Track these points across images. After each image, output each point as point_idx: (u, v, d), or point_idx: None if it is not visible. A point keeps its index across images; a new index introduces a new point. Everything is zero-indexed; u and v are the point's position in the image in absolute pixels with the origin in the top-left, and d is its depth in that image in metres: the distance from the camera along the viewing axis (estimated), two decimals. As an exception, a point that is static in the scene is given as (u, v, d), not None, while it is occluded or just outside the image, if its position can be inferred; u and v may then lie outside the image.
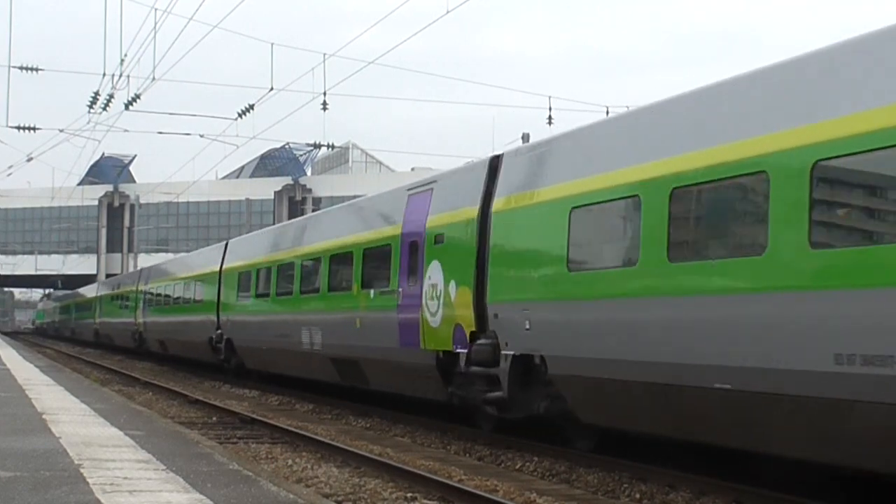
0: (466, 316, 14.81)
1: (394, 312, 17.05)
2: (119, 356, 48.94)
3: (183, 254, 45.97)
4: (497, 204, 14.47)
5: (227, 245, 30.59)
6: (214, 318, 29.62)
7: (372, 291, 18.17)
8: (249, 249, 27.65)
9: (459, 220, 15.32)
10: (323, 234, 21.84)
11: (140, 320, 43.47)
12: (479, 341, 14.50)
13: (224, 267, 29.49)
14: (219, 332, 29.07)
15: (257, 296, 25.85)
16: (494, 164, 15.02)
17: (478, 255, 14.73)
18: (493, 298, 14.29)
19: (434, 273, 15.66)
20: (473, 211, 14.99)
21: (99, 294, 59.63)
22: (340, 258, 20.29)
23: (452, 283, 15.16)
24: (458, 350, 15.04)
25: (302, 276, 22.55)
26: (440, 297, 15.44)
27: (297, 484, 10.83)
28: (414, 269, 16.49)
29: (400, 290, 16.91)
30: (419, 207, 16.68)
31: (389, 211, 18.22)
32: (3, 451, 10.40)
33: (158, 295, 40.11)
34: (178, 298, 36.05)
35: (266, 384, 26.65)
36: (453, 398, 15.77)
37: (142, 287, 43.83)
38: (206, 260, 33.00)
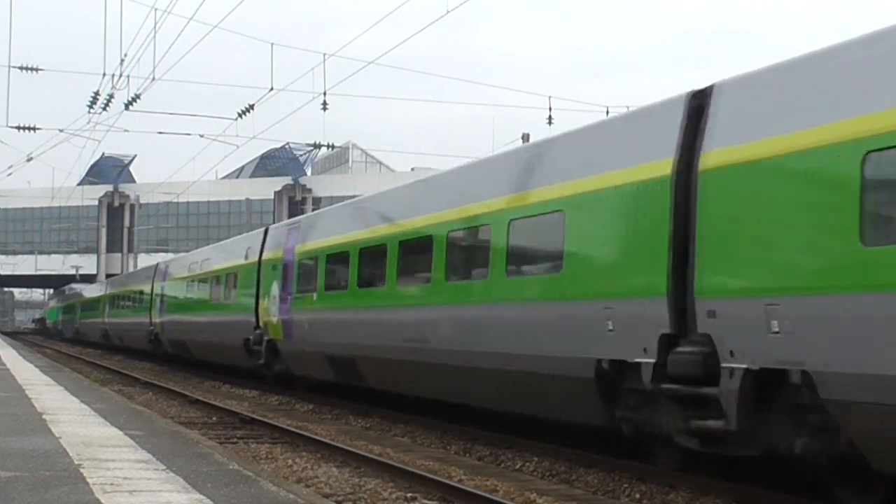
0: None
1: None
2: (119, 356, 48.72)
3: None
4: None
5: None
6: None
7: None
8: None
9: None
10: None
11: (276, 317, 23.31)
12: None
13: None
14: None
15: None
16: None
17: None
18: None
19: None
20: None
21: (157, 283, 39.42)
22: None
23: None
24: None
25: None
26: None
27: (297, 484, 10.83)
28: None
29: None
30: None
31: None
32: (3, 451, 10.40)
33: (337, 263, 20.17)
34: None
35: (266, 384, 26.53)
36: None
37: (272, 254, 24.24)
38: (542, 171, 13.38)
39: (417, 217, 16.67)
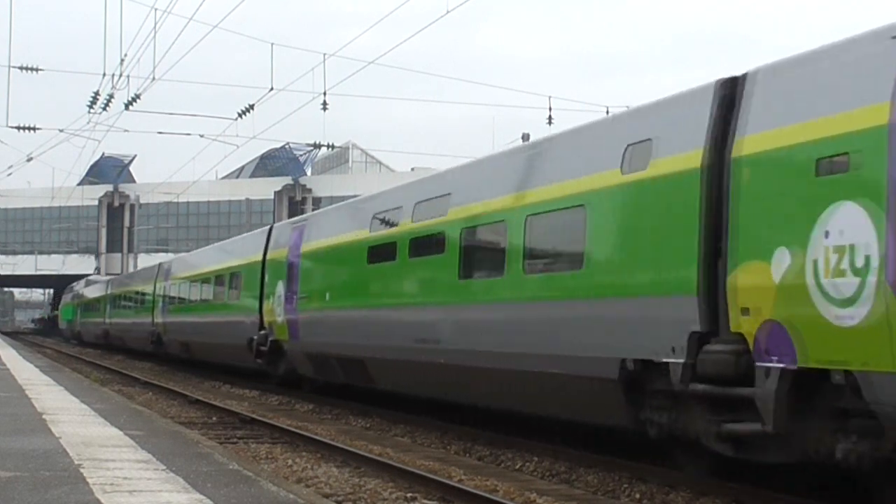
0: None
1: None
2: (119, 355, 48.66)
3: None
4: None
5: None
6: None
7: None
8: None
9: None
10: None
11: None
12: None
13: None
14: None
15: None
16: None
17: None
18: None
19: None
20: None
21: (275, 259, 24.15)
22: None
23: None
24: None
25: None
26: None
27: (297, 484, 10.83)
28: None
29: None
30: None
31: None
32: (3, 451, 10.40)
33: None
34: None
35: (266, 384, 26.54)
36: None
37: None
38: None
39: None
